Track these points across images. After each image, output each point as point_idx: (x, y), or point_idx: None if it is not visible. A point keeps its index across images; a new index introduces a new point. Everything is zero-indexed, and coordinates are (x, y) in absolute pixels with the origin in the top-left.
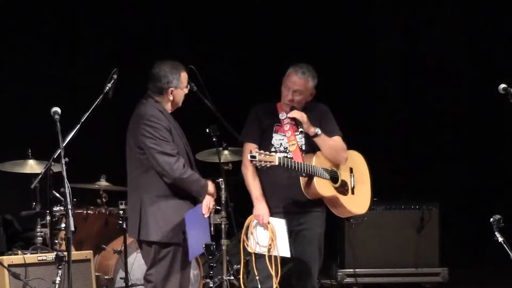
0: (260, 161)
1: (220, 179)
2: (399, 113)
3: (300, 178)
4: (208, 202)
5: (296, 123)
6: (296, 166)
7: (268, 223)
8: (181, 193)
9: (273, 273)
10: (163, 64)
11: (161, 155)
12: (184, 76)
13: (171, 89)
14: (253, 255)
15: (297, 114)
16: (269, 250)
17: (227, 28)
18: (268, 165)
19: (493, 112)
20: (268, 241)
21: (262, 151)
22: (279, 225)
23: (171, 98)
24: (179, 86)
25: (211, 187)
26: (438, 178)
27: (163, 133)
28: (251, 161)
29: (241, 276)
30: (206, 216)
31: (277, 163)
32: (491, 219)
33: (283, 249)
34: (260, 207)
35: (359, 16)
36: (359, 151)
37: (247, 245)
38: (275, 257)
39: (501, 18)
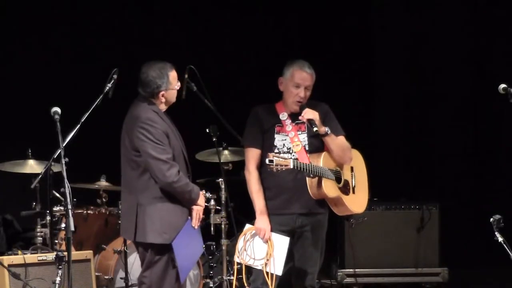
0: (277, 165)
1: (220, 179)
2: (399, 112)
3: (307, 178)
4: (196, 214)
5: (310, 123)
6: (307, 168)
7: (270, 238)
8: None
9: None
10: (150, 68)
11: (154, 160)
12: (172, 75)
13: (162, 92)
14: (243, 266)
15: (310, 114)
16: (265, 265)
17: (227, 28)
18: (283, 169)
19: (493, 112)
20: (266, 256)
21: (278, 155)
22: (281, 242)
23: (163, 100)
24: (169, 87)
25: (201, 199)
26: (438, 178)
27: (159, 136)
28: (269, 165)
29: (243, 276)
30: (196, 227)
31: (291, 167)
32: (491, 219)
33: (278, 267)
34: (263, 221)
35: (359, 15)
36: (360, 151)
37: (238, 256)
38: (272, 274)
39: (502, 17)
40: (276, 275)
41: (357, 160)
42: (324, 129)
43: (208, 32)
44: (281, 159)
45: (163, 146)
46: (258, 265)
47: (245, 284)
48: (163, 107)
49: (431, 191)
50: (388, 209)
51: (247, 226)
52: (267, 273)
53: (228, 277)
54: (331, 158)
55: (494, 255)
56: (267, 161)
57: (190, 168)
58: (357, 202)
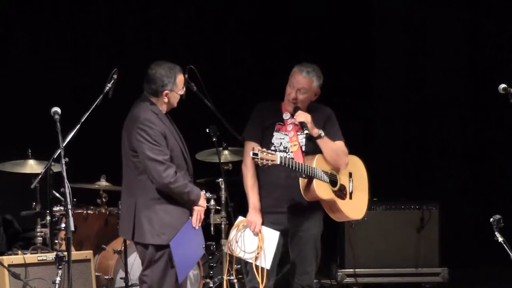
0: (262, 159)
1: (220, 179)
2: (399, 112)
3: (300, 179)
4: (197, 215)
5: (302, 125)
6: (297, 166)
7: (260, 231)
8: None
9: (261, 284)
10: (159, 66)
11: (151, 161)
12: (179, 79)
13: (166, 92)
14: (234, 258)
15: (302, 117)
16: (255, 258)
17: (227, 27)
18: (269, 164)
19: (493, 112)
20: (256, 249)
21: (264, 150)
22: (271, 236)
23: (165, 100)
24: (174, 89)
25: (202, 200)
26: (438, 178)
27: (157, 137)
28: (253, 158)
29: (233, 274)
30: (197, 228)
31: (278, 162)
32: (491, 219)
33: (267, 261)
34: (254, 214)
35: (359, 18)
36: (359, 151)
37: (230, 249)
38: (262, 268)
39: (502, 17)
40: (269, 273)
41: (357, 167)
42: (317, 131)
43: (208, 32)
44: (268, 154)
45: (160, 147)
46: (248, 258)
47: (235, 280)
48: (164, 108)
49: (431, 191)
50: (388, 209)
51: (240, 218)
52: (256, 267)
53: (228, 277)
54: (325, 161)
55: (494, 255)
56: (251, 154)
57: (191, 169)
58: (354, 208)
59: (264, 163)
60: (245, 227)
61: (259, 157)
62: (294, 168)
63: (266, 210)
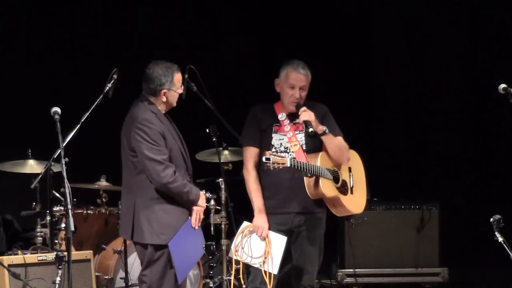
0: (273, 163)
1: (220, 179)
2: (399, 113)
3: (305, 178)
4: (196, 215)
5: (306, 124)
6: (304, 167)
7: (267, 236)
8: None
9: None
10: (157, 65)
11: (150, 161)
12: (177, 77)
13: (164, 91)
14: (241, 264)
15: (306, 115)
16: (262, 263)
17: (227, 28)
18: (280, 167)
19: (493, 112)
20: (264, 254)
21: (275, 153)
22: (279, 241)
23: (164, 99)
24: (172, 88)
25: (202, 199)
26: (438, 178)
27: (155, 137)
28: (265, 163)
29: (240, 276)
30: (196, 228)
31: (288, 165)
32: (491, 219)
33: (274, 266)
34: (261, 219)
35: (359, 15)
36: (360, 151)
37: (236, 254)
38: (270, 273)
39: (502, 18)
40: (274, 275)
41: (355, 161)
42: (322, 128)
43: (208, 32)
44: (278, 157)
45: (159, 147)
46: (255, 263)
47: (243, 283)
48: (163, 108)
49: (431, 191)
50: (388, 209)
51: (245, 223)
52: (265, 272)
53: (228, 277)
54: (328, 158)
55: (494, 255)
56: (263, 159)
57: (191, 169)
58: (355, 203)
59: (276, 167)
60: (251, 232)
61: (271, 161)
62: (301, 169)
63: (271, 211)
